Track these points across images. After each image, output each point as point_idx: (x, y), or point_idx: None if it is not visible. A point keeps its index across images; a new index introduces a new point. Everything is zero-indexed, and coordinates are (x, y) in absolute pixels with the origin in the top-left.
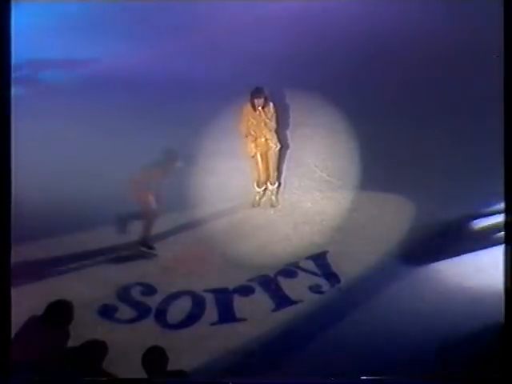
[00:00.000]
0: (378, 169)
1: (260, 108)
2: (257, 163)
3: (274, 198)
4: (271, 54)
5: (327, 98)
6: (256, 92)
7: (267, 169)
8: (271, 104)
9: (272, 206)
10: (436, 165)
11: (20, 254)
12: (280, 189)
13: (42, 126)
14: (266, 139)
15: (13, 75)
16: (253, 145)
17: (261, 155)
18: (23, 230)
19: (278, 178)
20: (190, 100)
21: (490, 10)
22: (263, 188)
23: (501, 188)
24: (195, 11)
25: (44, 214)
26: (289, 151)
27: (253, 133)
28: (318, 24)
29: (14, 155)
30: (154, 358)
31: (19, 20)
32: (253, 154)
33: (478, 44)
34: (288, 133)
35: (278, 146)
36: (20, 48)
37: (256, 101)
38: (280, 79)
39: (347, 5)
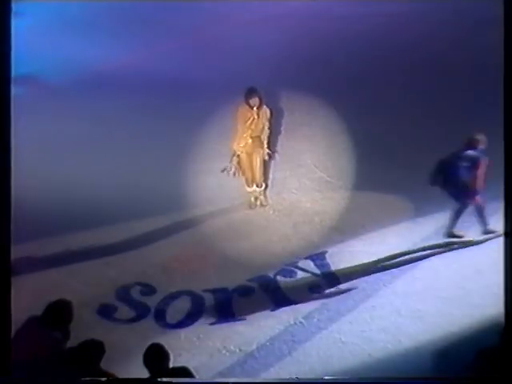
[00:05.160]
0: (378, 169)
1: (255, 108)
2: (243, 162)
3: (262, 197)
4: (271, 54)
5: (327, 99)
6: (250, 92)
7: (253, 169)
8: (265, 106)
9: (262, 205)
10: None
11: (20, 252)
12: (279, 189)
13: (42, 126)
14: (258, 139)
15: (13, 75)
16: (242, 144)
17: (247, 154)
18: (23, 229)
19: (265, 180)
20: (189, 100)
21: (491, 10)
22: (254, 187)
23: (501, 189)
24: (195, 11)
25: (44, 213)
26: (288, 152)
27: (250, 131)
28: (317, 24)
29: (13, 155)
30: (157, 354)
31: (19, 20)
32: (239, 152)
33: (478, 44)
34: (288, 133)
35: (267, 151)
36: (20, 48)
37: (251, 101)
38: (280, 79)
39: (347, 5)
